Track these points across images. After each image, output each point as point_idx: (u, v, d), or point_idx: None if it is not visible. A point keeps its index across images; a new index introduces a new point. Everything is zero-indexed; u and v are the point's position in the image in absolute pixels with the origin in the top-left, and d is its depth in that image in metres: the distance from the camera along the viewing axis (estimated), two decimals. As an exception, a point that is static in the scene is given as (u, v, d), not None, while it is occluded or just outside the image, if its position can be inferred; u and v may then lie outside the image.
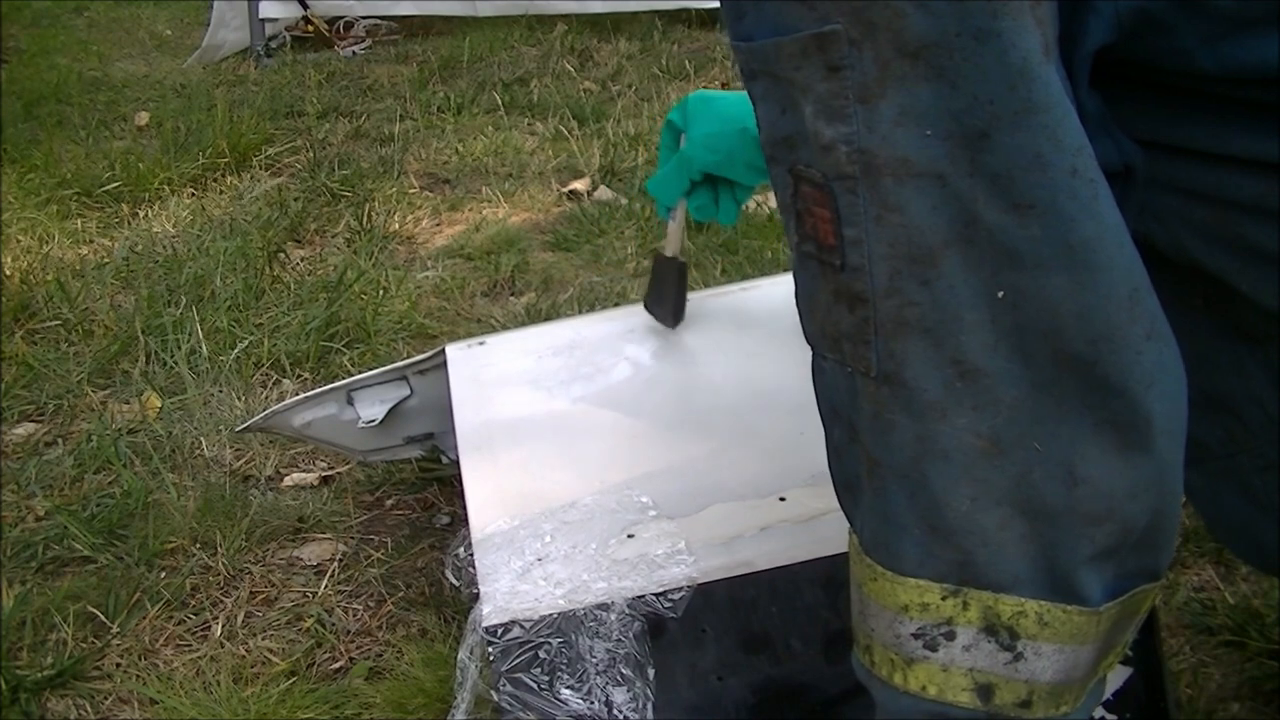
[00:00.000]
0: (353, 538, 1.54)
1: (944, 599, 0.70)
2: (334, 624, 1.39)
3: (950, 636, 0.71)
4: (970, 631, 0.70)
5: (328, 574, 1.47)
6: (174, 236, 2.51)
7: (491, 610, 0.97)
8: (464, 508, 1.16)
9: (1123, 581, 0.71)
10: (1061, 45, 0.66)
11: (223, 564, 1.49)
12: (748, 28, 0.70)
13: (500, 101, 3.31)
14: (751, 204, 2.48)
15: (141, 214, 2.65)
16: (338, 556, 1.50)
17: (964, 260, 0.65)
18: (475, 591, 1.01)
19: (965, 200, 0.64)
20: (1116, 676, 1.00)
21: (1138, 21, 0.69)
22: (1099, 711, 0.99)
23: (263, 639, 1.38)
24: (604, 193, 2.64)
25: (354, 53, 4.02)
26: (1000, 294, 0.65)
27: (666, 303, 1.38)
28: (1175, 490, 0.70)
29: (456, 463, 1.36)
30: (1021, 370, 0.66)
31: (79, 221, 2.61)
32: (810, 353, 0.77)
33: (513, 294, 2.21)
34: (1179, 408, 0.68)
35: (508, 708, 0.95)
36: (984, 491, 0.68)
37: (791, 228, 0.73)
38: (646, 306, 1.40)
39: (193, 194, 2.76)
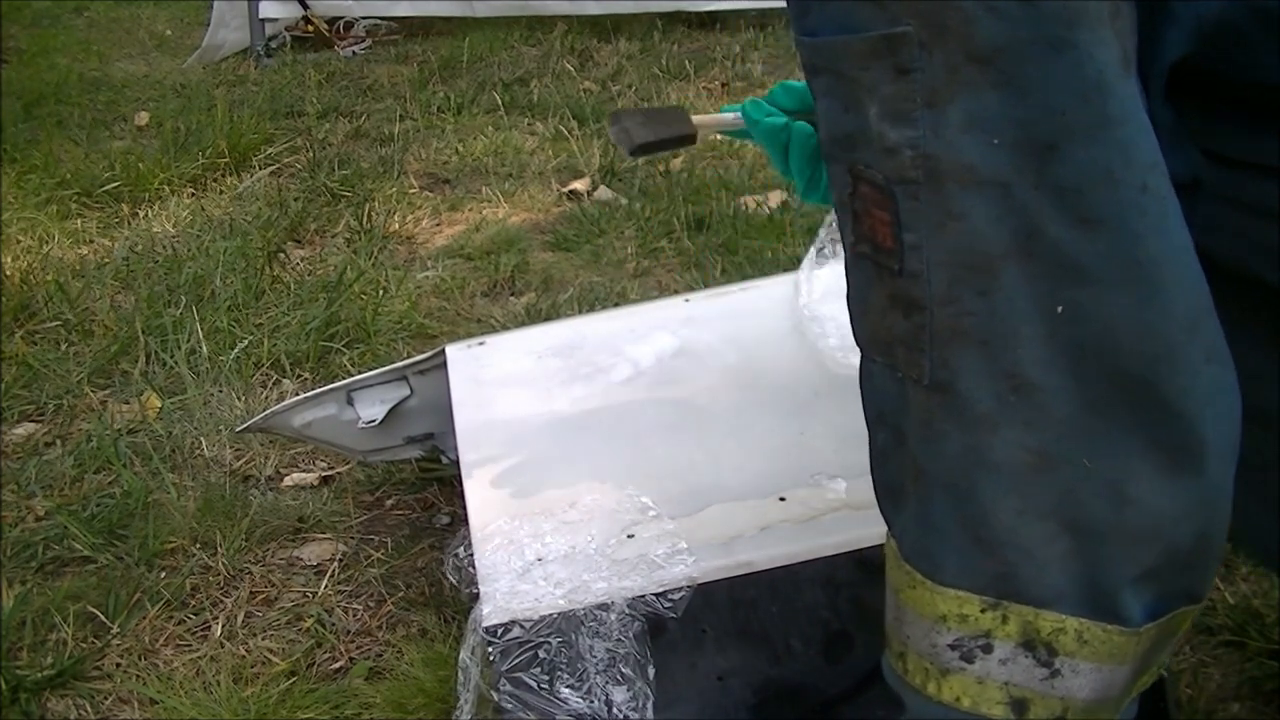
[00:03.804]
0: (353, 538, 1.54)
1: (983, 611, 0.70)
2: (334, 624, 1.39)
3: (987, 649, 0.70)
4: (1008, 645, 0.70)
5: (328, 574, 1.47)
6: (174, 236, 2.51)
7: (491, 610, 0.97)
8: (464, 508, 1.16)
9: (1163, 603, 0.70)
10: (1138, 56, 0.65)
11: (223, 564, 1.49)
12: (812, 23, 0.69)
13: (500, 101, 3.31)
14: (751, 204, 2.48)
15: (141, 214, 2.65)
16: (338, 556, 1.50)
17: (1024, 272, 0.64)
18: (475, 591, 1.01)
19: (1029, 212, 0.63)
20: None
21: (1218, 33, 0.68)
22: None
23: (263, 639, 1.38)
24: (604, 193, 2.64)
25: (354, 53, 4.02)
26: (1059, 309, 0.64)
27: (641, 136, 1.17)
28: (1224, 514, 0.69)
29: (456, 463, 1.36)
30: (1076, 386, 0.65)
31: (79, 221, 2.61)
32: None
33: (513, 294, 2.21)
34: (1233, 432, 0.68)
35: (508, 708, 0.95)
36: (1031, 506, 0.67)
37: (847, 227, 0.72)
38: (616, 118, 1.19)
39: (193, 194, 2.76)
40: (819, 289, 1.37)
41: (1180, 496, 0.67)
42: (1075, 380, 0.65)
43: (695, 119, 1.16)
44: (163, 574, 1.49)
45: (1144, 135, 0.63)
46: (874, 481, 0.78)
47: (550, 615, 0.96)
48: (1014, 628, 0.69)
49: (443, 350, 1.44)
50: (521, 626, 0.96)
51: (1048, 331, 0.64)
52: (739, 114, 1.09)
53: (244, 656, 1.35)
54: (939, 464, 0.69)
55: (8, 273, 2.31)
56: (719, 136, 2.93)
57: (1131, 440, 0.66)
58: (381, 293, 2.16)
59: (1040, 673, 0.70)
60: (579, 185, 2.68)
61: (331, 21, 4.14)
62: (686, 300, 1.49)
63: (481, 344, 1.45)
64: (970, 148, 0.63)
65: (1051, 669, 0.70)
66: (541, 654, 0.95)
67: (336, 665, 1.34)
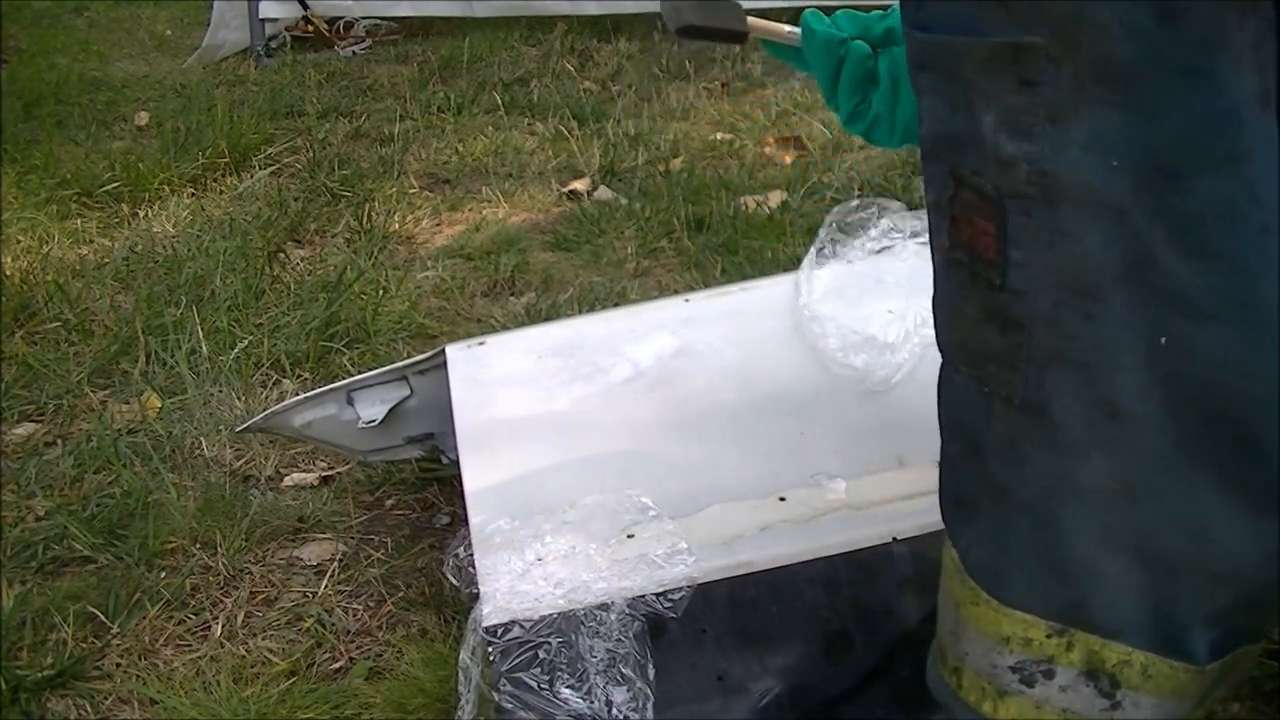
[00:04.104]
0: (353, 538, 1.54)
1: (1049, 637, 0.69)
2: (334, 624, 1.39)
3: (1049, 675, 0.70)
4: (1070, 673, 0.69)
5: (328, 574, 1.47)
6: (174, 236, 2.51)
7: (491, 610, 0.97)
8: (464, 508, 1.17)
9: (1229, 641, 0.69)
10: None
11: (223, 564, 1.49)
12: (926, 17, 0.67)
13: (500, 101, 3.31)
14: (751, 204, 2.48)
15: (141, 214, 2.65)
16: (338, 556, 1.50)
17: (1131, 300, 0.63)
18: (475, 591, 1.01)
19: (1143, 238, 0.61)
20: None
21: None
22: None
23: (263, 639, 1.38)
24: (604, 193, 2.64)
25: (354, 53, 4.01)
26: (1163, 340, 0.63)
27: (690, 17, 1.12)
28: None
29: (456, 463, 1.36)
30: (1170, 420, 0.64)
31: (79, 221, 2.61)
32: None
33: (513, 294, 2.21)
34: None
35: (508, 708, 0.95)
36: (1110, 536, 0.66)
37: (943, 230, 0.70)
38: None
39: (193, 194, 2.76)
40: (819, 289, 1.37)
41: (1262, 541, 0.65)
42: (1170, 413, 0.64)
43: (751, 20, 1.10)
44: (163, 574, 1.49)
45: (1273, 175, 0.61)
46: (941, 490, 0.77)
47: (550, 615, 0.96)
48: (1078, 656, 0.69)
49: (443, 350, 1.44)
50: (521, 626, 0.96)
51: (1147, 361, 0.63)
52: (796, 30, 1.03)
53: (244, 656, 1.35)
54: (1021, 486, 0.68)
55: (8, 273, 2.31)
56: (720, 137, 2.93)
57: (1218, 479, 0.64)
58: (381, 293, 2.16)
59: (1101, 703, 0.69)
60: (579, 185, 2.68)
61: (331, 21, 4.14)
62: (686, 300, 1.49)
63: (481, 344, 1.45)
64: (1090, 168, 0.61)
65: (1113, 700, 0.69)
66: (541, 654, 0.95)
67: (336, 665, 1.34)
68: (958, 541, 0.75)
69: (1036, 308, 0.65)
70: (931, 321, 0.76)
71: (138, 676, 1.33)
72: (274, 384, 1.91)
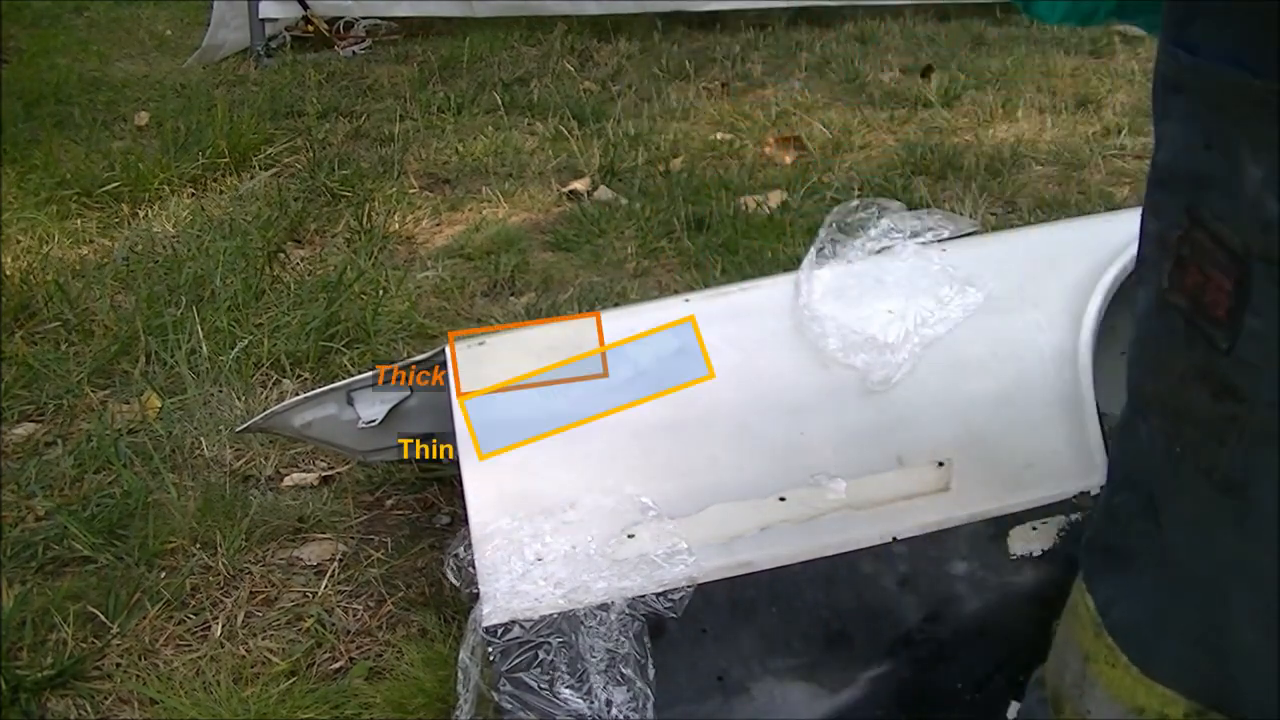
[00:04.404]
0: (353, 538, 1.54)
1: (1186, 716, 0.67)
2: (334, 624, 1.39)
3: None
4: None
5: (328, 574, 1.47)
6: (174, 236, 2.51)
7: (491, 610, 0.97)
8: (464, 508, 1.17)
9: None
10: None
11: (223, 564, 1.49)
12: (1193, 37, 0.61)
13: (500, 101, 3.31)
14: (751, 204, 2.48)
15: (141, 214, 2.65)
16: (338, 556, 1.50)
17: None
18: (475, 591, 1.01)
19: None
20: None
21: None
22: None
23: (263, 639, 1.38)
24: (604, 193, 2.64)
25: (354, 53, 4.01)
26: None
27: None
28: None
29: (456, 463, 1.36)
30: None
31: (79, 221, 2.61)
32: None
33: (513, 294, 2.21)
34: None
35: (508, 707, 0.95)
36: None
37: (1162, 268, 0.65)
38: None
39: (192, 194, 2.76)
40: (819, 289, 1.37)
41: None
42: None
43: None
44: (163, 574, 1.49)
45: None
46: (1090, 534, 0.73)
47: (550, 615, 0.96)
48: None
49: (443, 350, 1.44)
50: (521, 626, 0.96)
51: None
52: None
53: (244, 656, 1.35)
54: (1201, 562, 0.65)
55: (8, 273, 2.31)
56: (720, 137, 2.93)
57: None
58: (381, 293, 2.16)
59: None
60: (579, 185, 2.68)
61: (331, 21, 4.14)
62: (686, 300, 1.49)
63: (482, 343, 1.44)
64: None
65: None
66: (541, 654, 0.95)
67: (336, 665, 1.34)
68: (1096, 591, 0.72)
69: (1263, 384, 0.60)
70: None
71: (138, 676, 1.33)
72: (274, 384, 1.91)
